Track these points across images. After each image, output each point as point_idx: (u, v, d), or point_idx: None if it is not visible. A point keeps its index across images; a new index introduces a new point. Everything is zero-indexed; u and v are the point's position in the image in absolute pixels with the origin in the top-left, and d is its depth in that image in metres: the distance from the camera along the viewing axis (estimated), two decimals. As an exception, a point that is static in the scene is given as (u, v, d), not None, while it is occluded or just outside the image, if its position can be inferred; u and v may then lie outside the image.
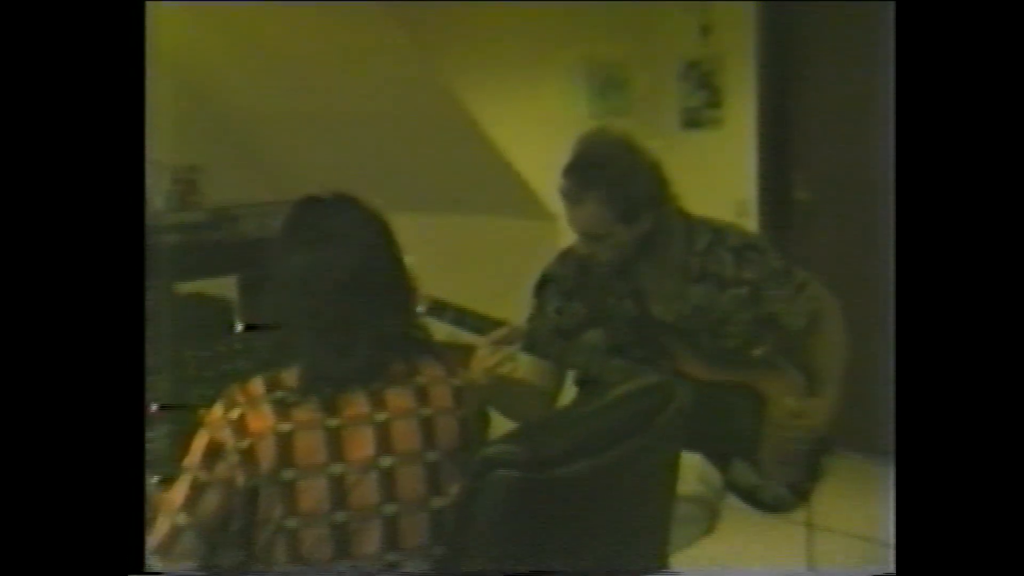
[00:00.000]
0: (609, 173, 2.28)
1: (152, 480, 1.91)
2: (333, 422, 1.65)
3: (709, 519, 2.41)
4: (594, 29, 4.59)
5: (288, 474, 1.61)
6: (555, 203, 2.47)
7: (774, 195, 4.58)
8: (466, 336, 2.13)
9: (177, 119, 4.24)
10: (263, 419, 1.62)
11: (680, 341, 2.41)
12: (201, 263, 2.75)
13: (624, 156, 2.32)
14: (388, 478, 1.65)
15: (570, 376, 2.48)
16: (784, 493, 2.44)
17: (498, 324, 2.15)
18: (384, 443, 1.66)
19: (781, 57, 4.51)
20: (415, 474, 1.67)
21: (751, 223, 4.40)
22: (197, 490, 1.62)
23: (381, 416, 1.67)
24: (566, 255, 2.49)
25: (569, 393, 2.50)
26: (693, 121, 4.64)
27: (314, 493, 1.61)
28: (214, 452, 1.63)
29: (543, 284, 2.50)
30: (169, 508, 1.64)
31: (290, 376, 1.67)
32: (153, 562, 1.62)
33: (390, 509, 1.65)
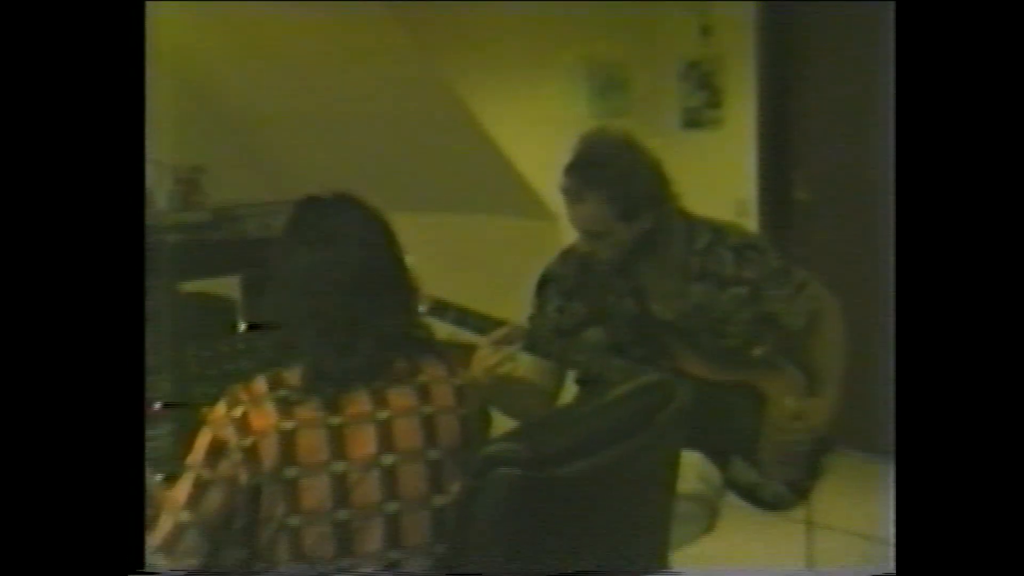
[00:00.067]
0: (610, 171, 2.29)
1: (155, 478, 1.91)
2: (335, 420, 1.65)
3: (709, 517, 2.41)
4: (595, 29, 4.59)
5: (290, 472, 1.61)
6: (556, 203, 2.47)
7: (774, 195, 4.59)
8: (467, 335, 2.13)
9: (180, 119, 4.25)
10: (266, 417, 1.63)
11: (680, 340, 2.42)
12: (204, 263, 2.75)
13: (625, 155, 2.33)
14: (390, 476, 1.66)
15: (571, 375, 2.49)
16: (783, 491, 2.44)
17: (499, 323, 2.15)
18: (386, 441, 1.66)
19: (781, 57, 4.52)
20: (417, 472, 1.68)
21: (751, 223, 4.40)
22: (200, 488, 1.63)
23: (383, 414, 1.68)
24: (567, 254, 2.50)
25: (570, 392, 2.51)
26: (693, 121, 4.65)
27: (316, 491, 1.62)
28: (217, 450, 1.63)
29: (544, 283, 2.50)
30: (172, 506, 1.64)
31: (293, 375, 1.67)
32: (156, 560, 1.62)
33: (392, 507, 1.66)
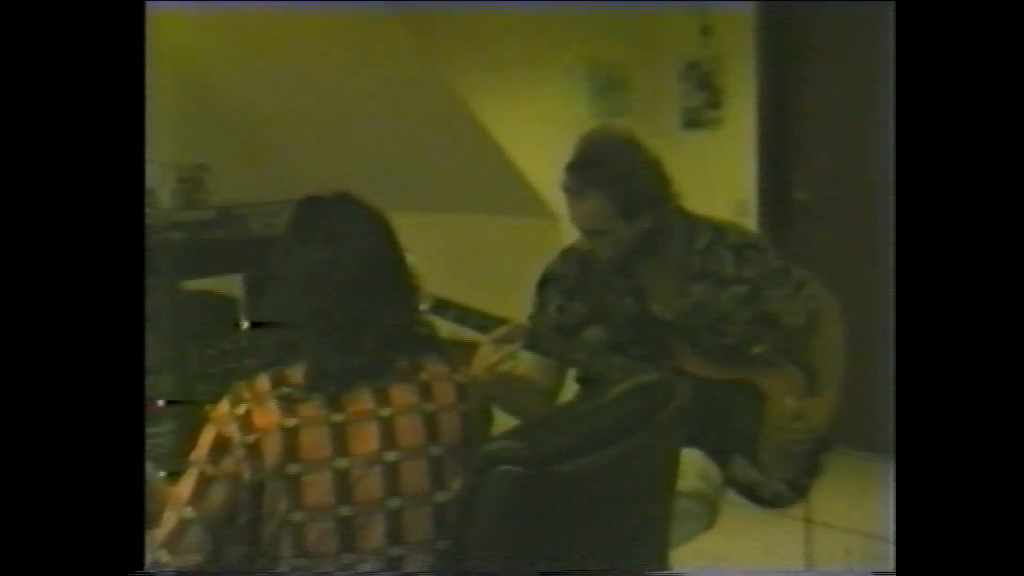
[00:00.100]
0: (611, 169, 2.29)
1: (159, 475, 1.92)
2: (338, 418, 1.66)
3: (709, 515, 2.42)
4: (595, 30, 4.60)
5: (293, 469, 1.62)
6: (556, 202, 2.48)
7: (774, 194, 4.59)
8: (469, 334, 2.14)
9: (184, 119, 4.26)
10: (269, 415, 1.63)
11: (680, 339, 2.42)
12: (207, 261, 2.76)
13: (626, 153, 2.34)
14: (392, 473, 1.67)
15: (571, 373, 2.49)
16: (783, 489, 2.45)
17: (500, 322, 2.16)
18: (388, 438, 1.67)
19: (781, 58, 4.52)
20: (419, 469, 1.69)
21: (751, 222, 4.41)
22: (204, 484, 1.63)
23: (385, 412, 1.68)
24: (567, 253, 2.50)
25: (570, 390, 2.51)
26: (693, 121, 4.66)
27: (319, 487, 1.62)
28: (220, 447, 1.64)
29: (544, 282, 2.51)
30: (176, 502, 1.65)
31: (295, 373, 1.68)
32: (160, 556, 1.62)
33: (394, 503, 1.66)
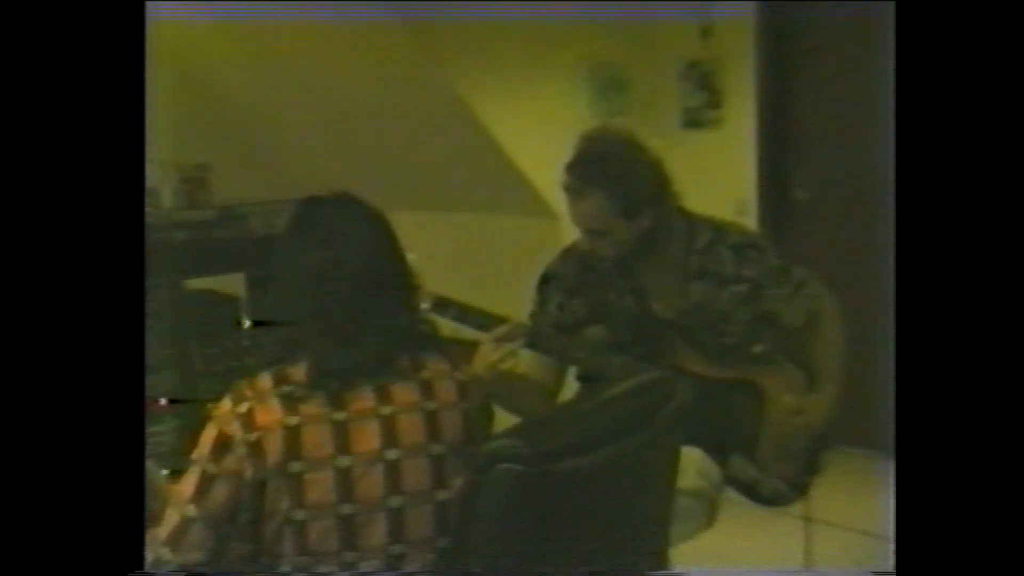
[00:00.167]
0: (611, 169, 2.30)
1: (162, 473, 1.92)
2: (340, 416, 1.66)
3: (709, 513, 2.43)
4: (596, 30, 4.60)
5: (295, 467, 1.62)
6: (557, 202, 2.49)
7: (773, 194, 4.60)
8: (470, 332, 2.14)
9: (186, 119, 4.26)
10: (270, 413, 1.64)
11: (680, 338, 2.43)
12: (209, 260, 2.77)
13: (626, 152, 2.34)
14: (393, 471, 1.67)
15: (571, 372, 2.50)
16: (782, 487, 2.46)
17: (501, 320, 2.16)
18: (390, 436, 1.68)
19: (781, 58, 4.53)
20: (420, 467, 1.69)
21: (751, 222, 4.41)
22: (206, 482, 1.64)
23: (387, 410, 1.69)
24: (568, 252, 2.51)
25: (570, 389, 2.52)
26: (693, 121, 4.66)
27: (321, 485, 1.63)
28: (222, 445, 1.64)
29: (545, 281, 2.51)
30: (178, 500, 1.65)
31: (297, 371, 1.68)
32: (162, 553, 1.63)
33: (395, 501, 1.67)
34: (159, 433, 2.18)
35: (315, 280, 1.70)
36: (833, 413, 2.45)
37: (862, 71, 3.97)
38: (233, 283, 2.61)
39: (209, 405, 1.71)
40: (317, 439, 1.64)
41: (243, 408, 1.65)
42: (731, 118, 4.59)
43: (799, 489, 2.49)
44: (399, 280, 1.77)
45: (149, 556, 1.63)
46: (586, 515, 1.72)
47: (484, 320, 2.16)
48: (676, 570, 2.14)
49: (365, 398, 1.69)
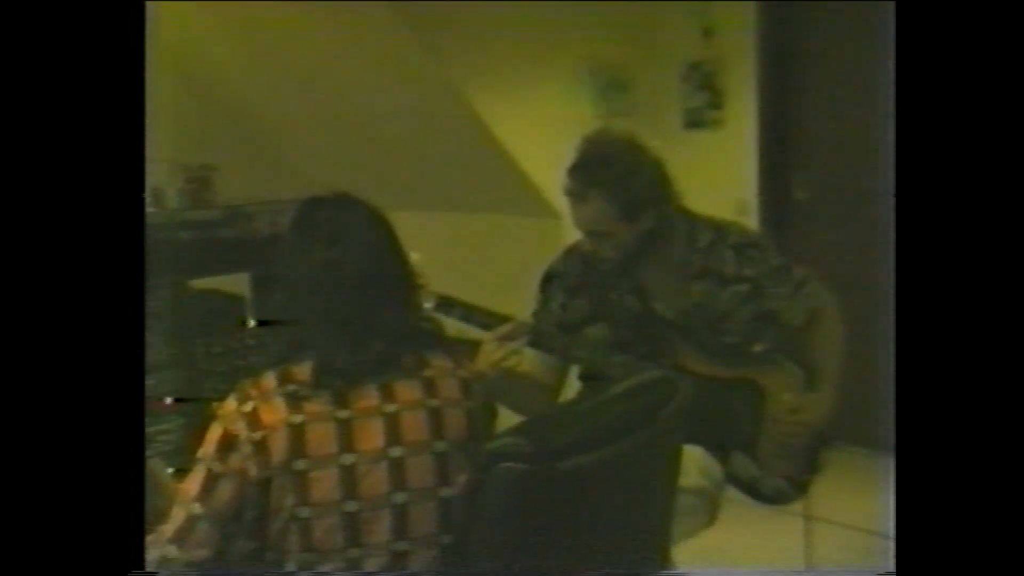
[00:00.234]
0: (613, 172, 2.30)
1: (168, 471, 1.93)
2: (344, 414, 1.67)
3: (710, 511, 2.44)
4: (598, 31, 4.61)
5: (300, 465, 1.63)
6: (559, 201, 2.49)
7: (774, 194, 4.61)
8: (473, 332, 2.15)
9: (191, 120, 4.27)
10: (275, 412, 1.65)
11: (682, 337, 2.44)
12: (215, 260, 2.77)
13: (627, 156, 2.35)
14: (397, 468, 1.68)
15: (574, 371, 2.51)
16: (783, 485, 2.47)
17: (504, 319, 2.17)
18: (393, 434, 1.68)
19: (782, 58, 4.53)
20: (424, 464, 1.70)
21: (751, 222, 4.42)
22: (211, 481, 1.65)
23: (390, 408, 1.70)
24: (570, 252, 2.51)
25: (573, 388, 2.52)
26: (695, 122, 4.67)
27: (325, 483, 1.63)
28: (228, 444, 1.65)
29: (548, 280, 2.52)
30: (184, 498, 1.66)
31: (302, 370, 1.69)
32: (168, 551, 1.64)
33: (400, 498, 1.68)
34: (165, 431, 2.19)
35: (319, 280, 1.71)
36: (833, 412, 2.45)
37: (862, 71, 3.97)
38: (238, 283, 2.62)
39: (214, 404, 1.72)
40: (321, 437, 1.65)
41: (248, 407, 1.65)
42: (732, 119, 4.60)
43: (800, 487, 2.50)
44: (402, 279, 1.78)
45: (155, 553, 1.64)
46: (588, 513, 1.72)
47: (488, 319, 2.17)
48: (678, 569, 2.15)
49: (369, 396, 1.69)
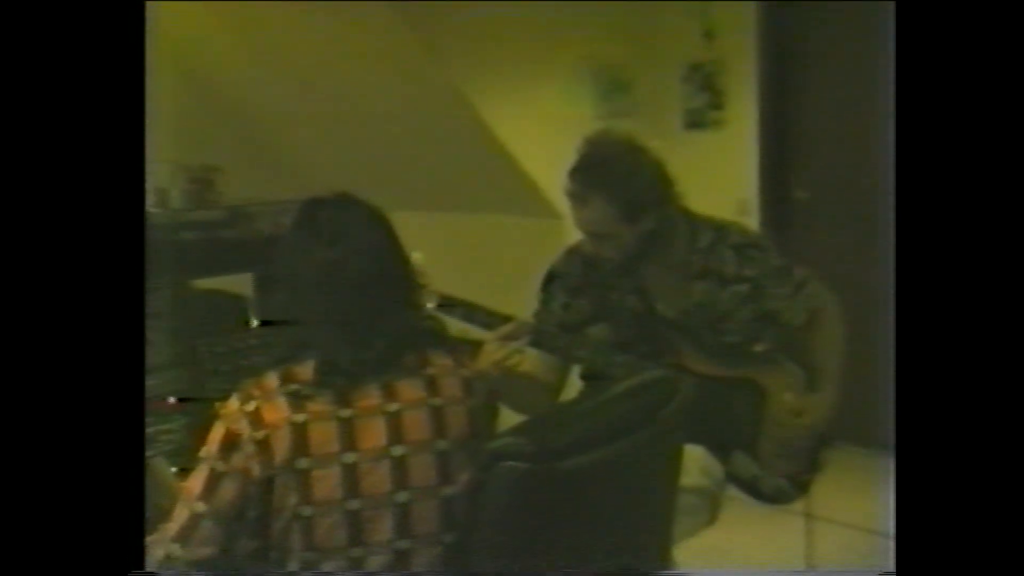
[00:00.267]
0: (613, 175, 2.31)
1: (171, 470, 1.93)
2: (346, 413, 1.67)
3: (711, 510, 2.44)
4: (599, 32, 4.62)
5: (302, 463, 1.64)
6: (560, 202, 2.50)
7: (775, 194, 4.61)
8: (475, 332, 2.16)
9: (193, 120, 4.27)
10: (278, 411, 1.65)
11: (683, 337, 2.44)
12: (218, 260, 2.77)
13: (628, 158, 2.35)
14: (400, 467, 1.68)
15: (575, 370, 2.51)
16: (784, 485, 2.47)
17: (506, 319, 2.18)
18: (396, 433, 1.69)
19: (782, 59, 4.54)
20: (426, 462, 1.70)
21: (752, 222, 4.43)
22: (214, 480, 1.65)
23: (393, 407, 1.70)
24: (572, 252, 2.51)
25: (574, 387, 2.53)
26: (696, 122, 4.68)
27: (328, 482, 1.64)
28: (230, 443, 1.65)
29: (549, 280, 2.52)
30: (187, 497, 1.66)
31: (304, 370, 1.70)
32: (172, 550, 1.64)
33: (402, 497, 1.68)
34: (168, 431, 2.19)
35: (320, 280, 1.71)
36: (833, 411, 2.46)
37: (862, 71, 3.98)
38: (241, 283, 2.62)
39: (217, 404, 1.72)
40: (324, 436, 1.65)
41: (251, 406, 1.66)
42: (733, 119, 4.61)
43: (800, 486, 2.50)
44: (403, 279, 1.79)
45: (159, 552, 1.64)
46: (589, 512, 1.73)
47: (489, 319, 2.18)
48: (679, 569, 2.16)
49: (371, 395, 1.70)
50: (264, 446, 1.64)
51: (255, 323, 2.43)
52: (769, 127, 4.57)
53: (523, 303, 2.47)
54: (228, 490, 1.65)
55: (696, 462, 2.36)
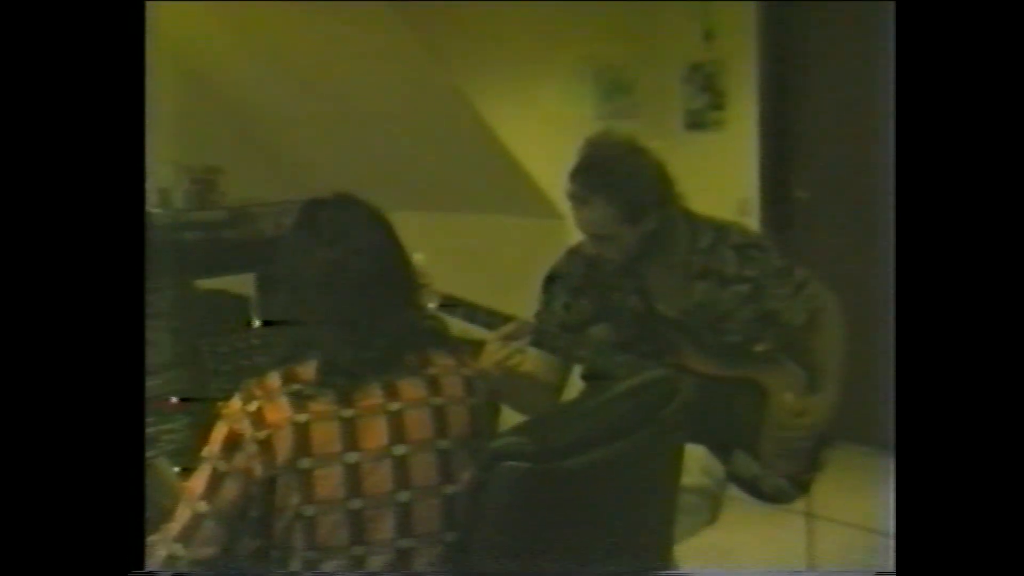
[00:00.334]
0: (614, 176, 2.31)
1: (174, 470, 1.93)
2: (348, 413, 1.68)
3: (712, 509, 2.45)
4: (600, 33, 4.63)
5: (304, 463, 1.64)
6: (562, 202, 2.50)
7: (775, 194, 4.61)
8: (477, 332, 2.16)
9: (195, 121, 4.28)
10: (280, 411, 1.65)
11: (684, 336, 2.44)
12: (220, 260, 2.78)
13: (629, 159, 2.35)
14: (401, 466, 1.69)
15: (576, 370, 2.51)
16: (784, 484, 2.47)
17: (507, 319, 2.18)
18: (397, 432, 1.69)
19: (783, 59, 4.54)
20: (428, 462, 1.71)
21: (753, 222, 4.43)
22: (217, 479, 1.65)
23: (394, 406, 1.70)
24: (573, 252, 2.52)
25: (575, 387, 2.53)
26: (696, 123, 4.68)
27: (330, 481, 1.64)
28: (233, 443, 1.65)
29: (551, 281, 2.52)
30: (190, 497, 1.67)
31: (306, 370, 1.70)
32: (174, 549, 1.64)
33: (404, 496, 1.69)
34: (170, 431, 2.20)
35: (321, 280, 1.72)
36: (834, 411, 2.46)
37: (862, 71, 3.98)
38: (243, 283, 2.63)
39: (219, 403, 1.72)
40: (326, 436, 1.66)
41: (253, 406, 1.66)
42: (733, 119, 4.61)
43: (801, 486, 2.50)
44: (404, 279, 1.79)
45: (161, 552, 1.64)
46: (590, 512, 1.73)
47: (491, 319, 2.18)
48: (679, 569, 2.16)
49: (373, 395, 1.70)
50: (266, 446, 1.64)
51: (257, 323, 2.43)
52: (769, 127, 4.57)
53: (524, 303, 2.47)
54: (230, 490, 1.65)
55: (697, 462, 2.36)
